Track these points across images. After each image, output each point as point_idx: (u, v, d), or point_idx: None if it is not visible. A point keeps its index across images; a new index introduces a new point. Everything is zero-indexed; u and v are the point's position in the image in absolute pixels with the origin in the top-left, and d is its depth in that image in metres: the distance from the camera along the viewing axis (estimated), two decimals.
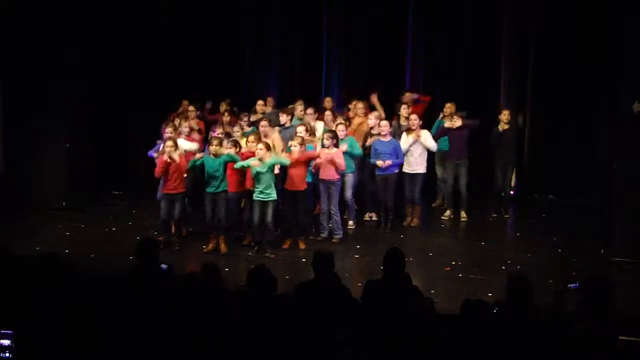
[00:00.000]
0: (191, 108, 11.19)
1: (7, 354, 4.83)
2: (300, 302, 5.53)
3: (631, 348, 5.68)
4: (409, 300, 5.44)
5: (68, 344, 4.92)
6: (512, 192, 11.18)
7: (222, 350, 4.91)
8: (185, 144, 9.36)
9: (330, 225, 9.43)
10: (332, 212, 9.32)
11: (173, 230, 9.11)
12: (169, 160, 8.78)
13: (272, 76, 13.46)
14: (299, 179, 8.95)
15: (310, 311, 5.24)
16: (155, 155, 9.35)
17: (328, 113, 10.52)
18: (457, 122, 10.15)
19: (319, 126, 10.18)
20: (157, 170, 8.90)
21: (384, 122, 9.84)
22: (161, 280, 5.77)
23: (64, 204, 10.63)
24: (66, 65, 10.55)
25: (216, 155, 8.78)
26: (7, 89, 10.26)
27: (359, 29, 12.95)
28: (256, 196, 8.74)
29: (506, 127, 10.46)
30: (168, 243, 8.85)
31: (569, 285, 5.25)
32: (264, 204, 8.72)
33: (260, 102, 11.06)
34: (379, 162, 9.66)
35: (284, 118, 10.24)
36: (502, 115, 10.47)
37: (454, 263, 8.63)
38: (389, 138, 9.78)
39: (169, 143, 8.84)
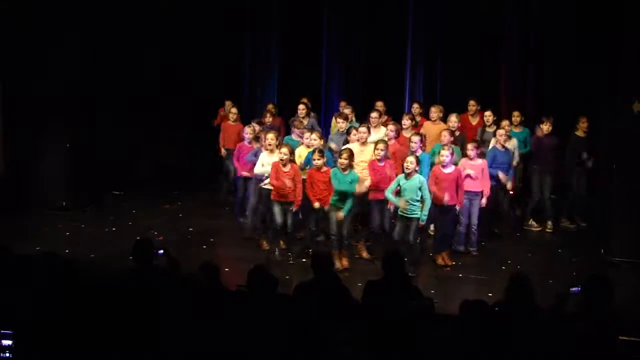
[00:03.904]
0: (233, 110, 11.13)
1: (7, 354, 4.83)
2: (300, 302, 5.53)
3: (631, 348, 5.69)
4: (409, 300, 5.44)
5: (68, 344, 4.92)
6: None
7: (222, 350, 4.91)
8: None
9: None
10: (472, 228, 8.83)
11: (282, 244, 8.71)
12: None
13: (272, 78, 13.47)
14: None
15: (310, 311, 5.24)
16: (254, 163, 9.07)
17: (376, 115, 10.03)
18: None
19: (382, 132, 9.63)
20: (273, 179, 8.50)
21: (503, 131, 9.33)
22: (159, 280, 5.77)
23: (64, 204, 10.61)
24: (66, 66, 10.53)
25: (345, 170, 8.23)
26: (7, 89, 10.25)
27: (359, 31, 12.96)
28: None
29: (583, 134, 10.13)
30: (276, 258, 8.53)
31: (570, 290, 5.25)
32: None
33: (301, 107, 10.84)
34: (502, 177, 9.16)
35: (341, 124, 9.81)
36: (580, 122, 10.12)
37: (454, 263, 8.63)
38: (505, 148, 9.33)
39: (285, 150, 8.37)
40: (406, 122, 9.57)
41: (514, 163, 9.74)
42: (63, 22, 10.35)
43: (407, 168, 8.04)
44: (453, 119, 9.79)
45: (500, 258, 8.82)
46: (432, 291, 7.33)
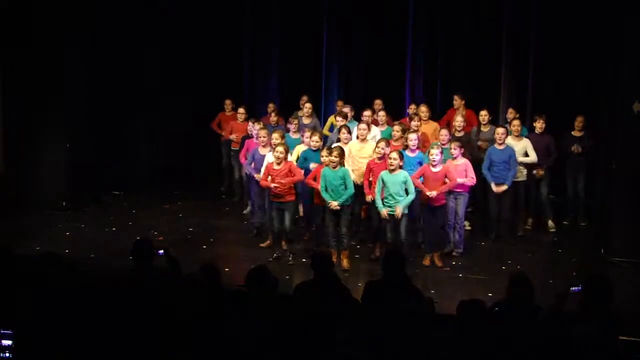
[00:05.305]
0: (241, 110, 11.18)
1: (7, 354, 4.83)
2: (300, 302, 5.53)
3: (631, 348, 5.69)
4: (409, 300, 5.44)
5: (68, 344, 4.92)
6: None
7: (222, 350, 4.91)
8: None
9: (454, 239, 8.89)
10: (457, 225, 8.82)
11: (284, 244, 8.68)
12: (280, 188, 8.39)
13: (272, 78, 13.46)
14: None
15: (310, 311, 5.24)
16: (250, 166, 9.27)
17: (382, 114, 10.21)
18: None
19: (374, 131, 9.74)
20: (263, 180, 8.60)
21: (501, 129, 9.27)
22: (158, 281, 5.77)
23: (64, 204, 10.61)
24: (66, 65, 10.54)
25: (336, 167, 8.28)
26: (7, 89, 10.25)
27: (359, 31, 12.94)
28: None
29: (579, 134, 10.07)
30: (278, 258, 8.58)
31: (571, 289, 5.24)
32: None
33: (308, 105, 10.81)
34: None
35: (340, 122, 9.80)
36: (575, 122, 10.06)
37: (454, 263, 8.63)
38: (504, 145, 9.21)
39: (280, 149, 8.40)
40: (396, 133, 9.37)
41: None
42: (63, 22, 10.35)
43: (391, 165, 8.09)
44: (459, 119, 9.84)
45: (500, 258, 8.82)
46: (432, 291, 7.34)
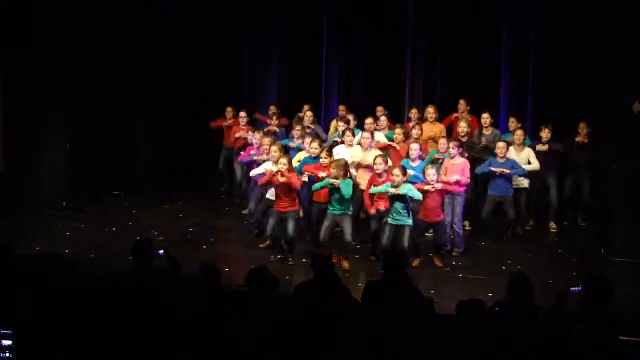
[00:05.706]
0: (242, 114, 11.22)
1: (7, 354, 4.83)
2: (300, 302, 5.53)
3: (631, 348, 5.69)
4: (409, 300, 5.44)
5: (68, 344, 4.92)
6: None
7: (222, 350, 4.91)
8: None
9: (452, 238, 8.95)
10: (455, 225, 8.85)
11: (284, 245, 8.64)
12: (282, 181, 8.28)
13: (272, 78, 13.46)
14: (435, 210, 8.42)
15: (310, 311, 5.25)
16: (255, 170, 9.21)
17: (384, 118, 10.28)
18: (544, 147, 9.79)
19: (377, 136, 9.73)
20: (263, 181, 8.60)
21: (502, 144, 9.27)
22: (158, 281, 5.77)
23: (64, 204, 10.61)
24: (66, 65, 10.54)
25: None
26: (7, 89, 10.26)
27: (359, 31, 12.94)
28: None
29: (584, 140, 9.95)
30: (279, 259, 8.57)
31: (571, 289, 5.25)
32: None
33: (309, 114, 10.81)
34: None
35: (341, 127, 9.75)
36: (579, 127, 9.98)
37: (454, 263, 8.64)
38: (505, 159, 9.22)
39: (284, 161, 8.32)
40: (397, 136, 9.44)
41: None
42: (63, 22, 10.35)
43: (393, 181, 8.07)
44: (463, 125, 9.86)
45: (500, 258, 8.82)
46: (432, 291, 7.33)
